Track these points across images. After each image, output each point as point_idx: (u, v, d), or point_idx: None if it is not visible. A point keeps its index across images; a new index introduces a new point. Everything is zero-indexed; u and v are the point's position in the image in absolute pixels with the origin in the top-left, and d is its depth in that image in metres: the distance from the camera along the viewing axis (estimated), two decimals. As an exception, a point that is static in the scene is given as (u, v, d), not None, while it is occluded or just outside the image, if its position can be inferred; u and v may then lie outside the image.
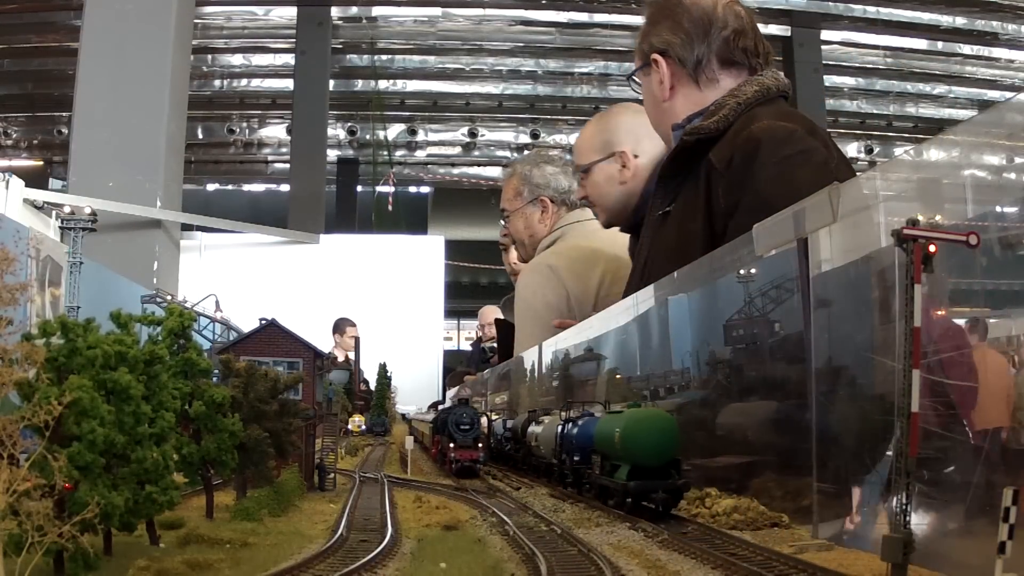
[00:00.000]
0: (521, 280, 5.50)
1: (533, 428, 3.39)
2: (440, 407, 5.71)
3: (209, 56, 15.84)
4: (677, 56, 3.48)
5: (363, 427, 6.37)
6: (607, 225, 5.07)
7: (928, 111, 17.89)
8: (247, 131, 18.46)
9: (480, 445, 3.63)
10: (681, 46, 3.48)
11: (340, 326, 11.24)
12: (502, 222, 5.88)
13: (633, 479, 2.13)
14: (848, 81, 17.05)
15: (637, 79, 3.74)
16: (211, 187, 20.92)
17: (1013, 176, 1.68)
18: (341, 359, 11.57)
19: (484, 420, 4.03)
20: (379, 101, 16.91)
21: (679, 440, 2.19)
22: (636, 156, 4.81)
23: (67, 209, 6.93)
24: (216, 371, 2.66)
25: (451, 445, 3.60)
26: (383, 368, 8.25)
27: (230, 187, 21.32)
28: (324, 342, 3.66)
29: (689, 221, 3.21)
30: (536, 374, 4.95)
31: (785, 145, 3.03)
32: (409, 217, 18.74)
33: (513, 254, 6.06)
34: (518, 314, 5.47)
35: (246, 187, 21.24)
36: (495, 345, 8.82)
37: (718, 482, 2.36)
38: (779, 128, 3.12)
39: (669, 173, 3.43)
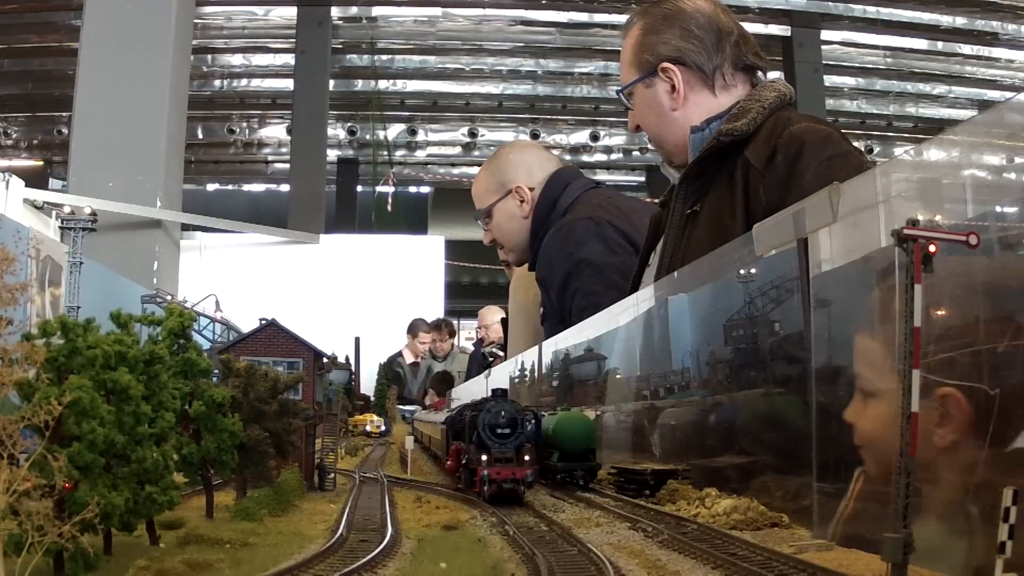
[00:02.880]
0: (514, 282, 5.51)
1: None
2: (448, 403, 5.41)
3: (209, 56, 15.85)
4: (693, 62, 3.47)
5: (382, 428, 6.24)
6: (519, 264, 5.29)
7: (928, 111, 17.90)
8: (247, 131, 18.47)
9: (528, 458, 2.55)
10: (696, 52, 3.47)
11: (415, 328, 11.29)
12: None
13: (561, 461, 2.84)
14: (848, 81, 17.06)
15: (628, 93, 3.65)
16: (211, 187, 20.94)
17: (1013, 176, 1.68)
18: (410, 361, 11.45)
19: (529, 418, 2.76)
20: (379, 101, 16.93)
21: (594, 433, 2.90)
22: (531, 188, 4.97)
23: (67, 209, 6.93)
24: (216, 371, 2.66)
25: (482, 457, 2.54)
26: (383, 368, 8.26)
27: (230, 187, 21.34)
28: (324, 342, 3.61)
29: (726, 218, 3.22)
30: (530, 375, 4.95)
31: (827, 147, 3.10)
32: (409, 217, 18.77)
33: (515, 269, 6.02)
34: (511, 315, 5.48)
35: (246, 187, 21.26)
36: (495, 350, 8.78)
37: (718, 482, 2.36)
38: (819, 130, 3.19)
39: (694, 174, 3.42)
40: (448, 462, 3.17)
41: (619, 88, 3.73)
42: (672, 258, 3.44)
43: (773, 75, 3.78)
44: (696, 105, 3.49)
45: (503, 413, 2.62)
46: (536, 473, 2.60)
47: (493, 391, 2.79)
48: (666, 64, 3.49)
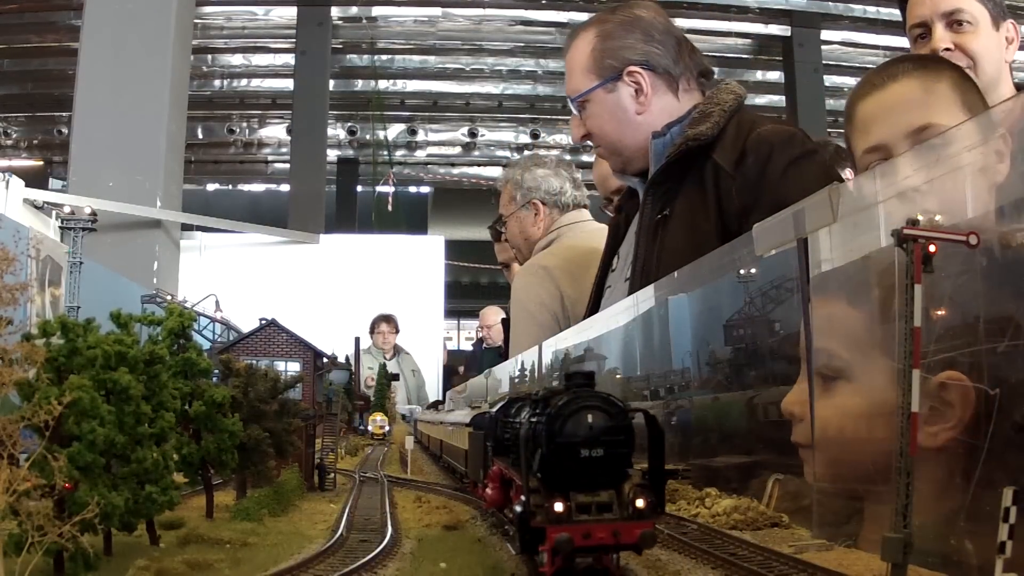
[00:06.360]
0: (515, 281, 5.51)
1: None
2: (479, 401, 4.14)
3: (209, 56, 15.84)
4: (661, 66, 3.52)
5: (386, 428, 6.19)
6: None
7: (928, 111, 17.87)
8: (247, 131, 18.46)
9: (641, 503, 1.41)
10: (662, 56, 3.52)
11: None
12: (499, 233, 5.84)
13: None
14: (848, 81, 16.99)
15: (583, 100, 3.60)
16: (211, 187, 20.93)
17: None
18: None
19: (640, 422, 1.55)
20: (379, 101, 16.92)
21: None
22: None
23: (67, 209, 6.94)
24: (216, 371, 2.66)
25: (556, 506, 1.39)
26: (383, 368, 8.26)
27: (230, 187, 21.33)
28: (324, 342, 3.59)
29: (699, 221, 3.27)
30: (531, 375, 4.94)
31: (793, 146, 3.21)
32: (409, 217, 18.74)
33: (514, 271, 6.05)
34: (512, 315, 5.48)
35: (246, 187, 21.25)
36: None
37: (718, 482, 2.37)
38: (784, 131, 3.29)
39: (661, 179, 3.45)
40: (486, 489, 2.03)
41: (574, 96, 3.66)
42: (645, 264, 3.48)
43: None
44: (660, 109, 3.53)
45: (591, 418, 1.44)
46: (655, 531, 1.43)
47: (568, 376, 1.54)
48: (633, 68, 3.51)
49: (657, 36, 3.53)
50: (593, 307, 4.11)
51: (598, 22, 3.65)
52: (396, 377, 9.45)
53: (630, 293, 3.55)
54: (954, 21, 3.53)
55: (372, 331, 10.71)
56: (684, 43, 3.60)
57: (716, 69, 3.72)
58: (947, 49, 3.48)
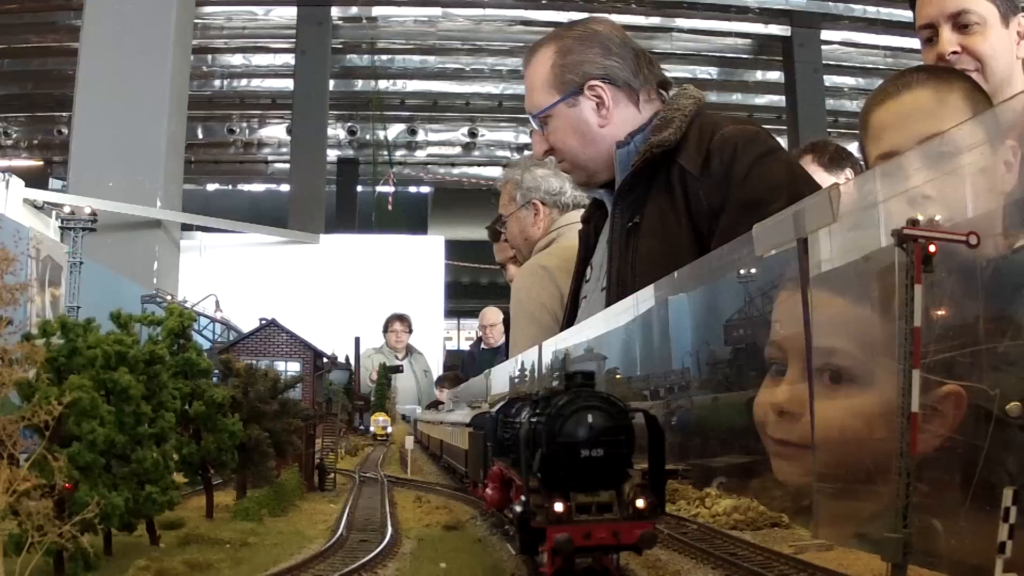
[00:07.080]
0: (515, 282, 5.51)
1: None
2: (475, 405, 4.19)
3: (209, 56, 15.86)
4: (621, 79, 3.55)
5: (388, 428, 6.16)
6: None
7: (928, 111, 17.85)
8: (247, 131, 18.50)
9: (641, 503, 1.41)
10: (621, 69, 3.55)
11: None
12: (498, 233, 5.85)
13: None
14: (848, 81, 17.05)
15: (545, 116, 3.61)
16: (211, 187, 20.96)
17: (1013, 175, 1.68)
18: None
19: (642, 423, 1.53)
20: (379, 101, 16.93)
21: None
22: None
23: (67, 209, 6.95)
24: (216, 371, 2.66)
25: (556, 507, 1.39)
26: (383, 368, 8.25)
27: (230, 187, 21.35)
28: (324, 342, 3.59)
29: (671, 226, 3.32)
30: (531, 375, 4.93)
31: (756, 145, 3.27)
32: (409, 217, 18.77)
33: (511, 271, 6.06)
34: (513, 315, 5.48)
35: (246, 187, 21.27)
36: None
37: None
38: (747, 131, 3.35)
39: (629, 188, 3.49)
40: (486, 489, 2.01)
41: (536, 112, 3.66)
42: (620, 272, 3.50)
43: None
44: (622, 121, 3.55)
45: (591, 419, 1.43)
46: (655, 531, 1.42)
47: (568, 376, 1.53)
48: (594, 82, 3.53)
49: (615, 50, 3.57)
50: (569, 318, 4.13)
51: (556, 38, 3.68)
52: (398, 369, 9.39)
53: (608, 302, 3.57)
54: (961, 23, 3.44)
55: (385, 330, 10.61)
56: (642, 55, 3.64)
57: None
58: (954, 52, 3.42)
